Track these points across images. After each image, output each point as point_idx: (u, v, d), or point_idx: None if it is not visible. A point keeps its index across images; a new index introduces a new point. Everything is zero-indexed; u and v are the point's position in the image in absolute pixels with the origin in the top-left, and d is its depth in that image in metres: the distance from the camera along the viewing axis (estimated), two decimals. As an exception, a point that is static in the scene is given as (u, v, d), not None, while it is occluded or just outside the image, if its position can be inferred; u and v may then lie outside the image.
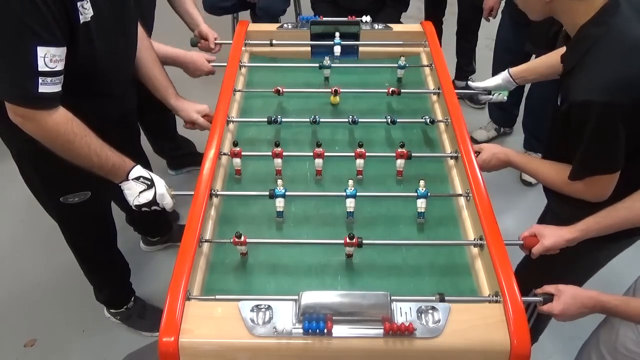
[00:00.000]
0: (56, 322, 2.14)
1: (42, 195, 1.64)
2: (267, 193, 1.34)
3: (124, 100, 1.63)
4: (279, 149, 1.45)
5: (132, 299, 2.11)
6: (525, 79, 1.69)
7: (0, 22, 1.14)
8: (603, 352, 1.39)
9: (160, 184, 1.40)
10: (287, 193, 1.35)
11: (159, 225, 2.37)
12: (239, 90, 1.73)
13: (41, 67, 1.18)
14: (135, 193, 1.37)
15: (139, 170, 1.40)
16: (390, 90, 1.68)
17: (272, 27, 1.97)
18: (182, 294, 1.08)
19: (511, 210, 2.56)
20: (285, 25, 1.96)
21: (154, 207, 1.39)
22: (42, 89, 1.20)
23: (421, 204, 1.35)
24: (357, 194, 1.34)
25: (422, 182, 1.35)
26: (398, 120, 1.58)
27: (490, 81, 1.73)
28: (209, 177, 1.35)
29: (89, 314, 2.14)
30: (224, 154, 1.49)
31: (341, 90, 1.68)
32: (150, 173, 1.42)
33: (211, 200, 1.35)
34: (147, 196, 1.37)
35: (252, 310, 1.06)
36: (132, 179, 1.38)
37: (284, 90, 1.68)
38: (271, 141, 1.53)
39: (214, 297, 1.12)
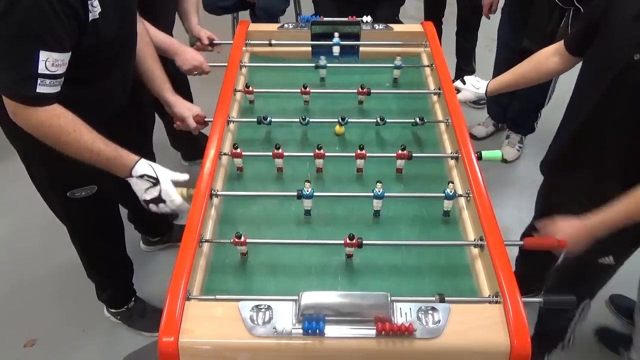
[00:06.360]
0: (56, 322, 2.13)
1: (49, 191, 1.64)
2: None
3: (124, 94, 1.62)
4: (280, 151, 1.45)
5: (133, 299, 2.11)
6: (496, 93, 1.73)
7: (7, 24, 1.16)
8: None
9: (165, 180, 1.38)
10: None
11: (160, 225, 2.37)
12: (239, 91, 1.73)
13: (42, 70, 1.21)
14: (142, 189, 1.38)
15: (143, 168, 1.37)
16: (359, 90, 1.68)
17: (272, 27, 1.97)
18: (182, 294, 1.08)
19: (511, 210, 2.56)
20: (285, 25, 1.96)
21: (161, 205, 1.38)
22: (40, 89, 1.23)
23: (448, 204, 1.36)
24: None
25: (451, 185, 1.35)
26: (389, 120, 1.58)
27: (462, 97, 1.75)
28: (209, 177, 1.35)
29: (89, 314, 2.14)
30: (224, 154, 1.49)
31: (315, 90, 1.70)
32: (157, 169, 1.39)
33: (211, 200, 1.35)
34: (153, 193, 1.37)
35: (252, 311, 1.06)
36: (137, 177, 1.38)
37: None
38: (270, 141, 1.53)
39: (214, 297, 1.12)
